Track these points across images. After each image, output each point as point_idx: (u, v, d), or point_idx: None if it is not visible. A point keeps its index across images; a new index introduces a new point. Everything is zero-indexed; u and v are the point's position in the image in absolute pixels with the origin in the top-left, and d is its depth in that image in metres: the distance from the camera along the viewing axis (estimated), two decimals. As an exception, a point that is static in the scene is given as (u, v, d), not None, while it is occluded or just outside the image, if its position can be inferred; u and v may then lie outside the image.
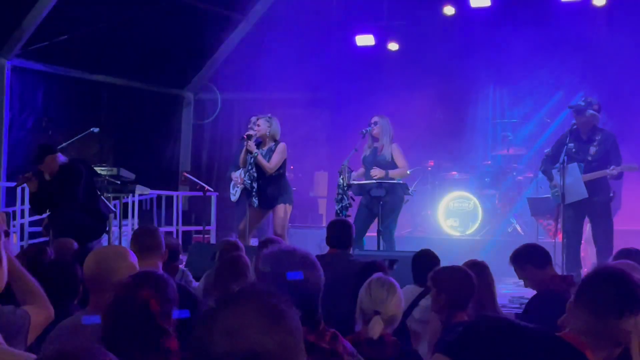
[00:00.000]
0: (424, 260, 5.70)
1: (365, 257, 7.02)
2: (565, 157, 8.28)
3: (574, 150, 8.45)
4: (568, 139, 8.38)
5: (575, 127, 8.46)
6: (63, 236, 7.52)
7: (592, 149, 8.39)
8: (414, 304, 5.27)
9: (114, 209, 9.52)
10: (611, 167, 8.19)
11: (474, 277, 4.52)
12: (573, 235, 8.50)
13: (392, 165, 9.67)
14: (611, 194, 8.47)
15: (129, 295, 2.94)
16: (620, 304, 2.79)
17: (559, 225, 8.91)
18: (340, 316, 4.21)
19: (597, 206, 8.40)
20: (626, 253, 5.12)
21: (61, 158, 8.24)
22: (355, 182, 9.33)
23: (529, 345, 2.65)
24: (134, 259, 3.99)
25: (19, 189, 10.92)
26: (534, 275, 5.37)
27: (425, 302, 5.11)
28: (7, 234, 3.21)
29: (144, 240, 4.80)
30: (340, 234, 6.52)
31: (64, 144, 9.97)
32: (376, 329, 3.86)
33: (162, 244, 4.86)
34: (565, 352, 2.68)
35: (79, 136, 10.26)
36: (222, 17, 13.89)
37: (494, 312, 4.73)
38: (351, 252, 6.77)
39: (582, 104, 8.46)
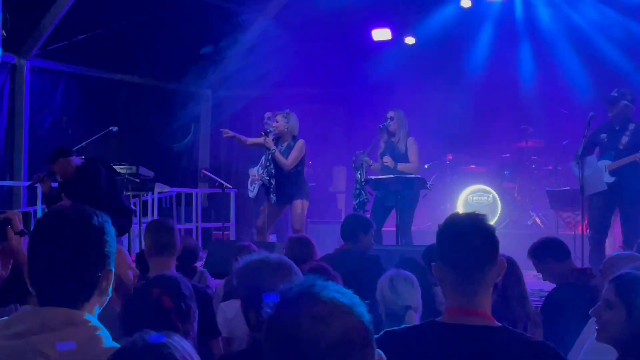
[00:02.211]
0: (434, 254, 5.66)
1: (384, 252, 7.03)
2: (594, 148, 8.28)
3: (606, 140, 8.46)
4: (587, 130, 8.35)
5: (594, 118, 8.44)
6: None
7: (625, 139, 8.38)
8: None
9: (134, 207, 9.55)
10: None
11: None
12: (600, 226, 8.47)
13: (406, 158, 9.67)
14: None
15: (143, 295, 2.96)
16: None
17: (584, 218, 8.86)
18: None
19: (627, 193, 8.36)
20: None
21: (76, 160, 8.25)
22: (372, 177, 9.33)
23: None
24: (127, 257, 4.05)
25: (39, 189, 11.01)
26: (554, 268, 5.37)
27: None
28: (22, 233, 3.24)
29: (159, 238, 4.80)
30: (353, 228, 6.53)
31: (83, 143, 10.03)
32: (414, 323, 3.90)
33: (177, 241, 4.85)
34: None
35: (98, 135, 10.30)
36: (239, 13, 13.90)
37: (523, 307, 4.73)
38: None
39: (616, 94, 8.45)
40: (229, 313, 4.88)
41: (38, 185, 8.90)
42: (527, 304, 4.90)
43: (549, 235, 6.20)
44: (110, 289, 2.43)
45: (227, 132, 9.79)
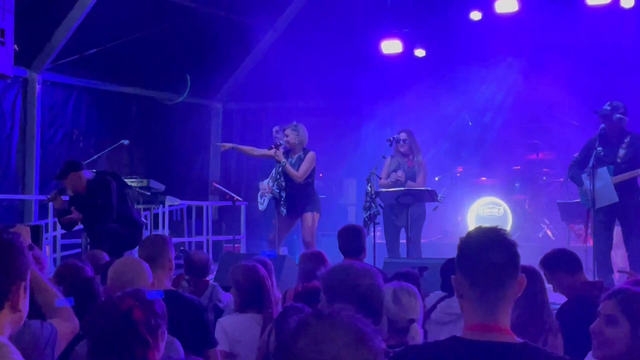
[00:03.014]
0: (452, 268, 5.66)
1: (396, 265, 7.02)
2: (594, 161, 8.23)
3: (602, 153, 8.40)
4: (597, 142, 8.32)
5: (603, 131, 8.40)
6: (99, 247, 7.61)
7: (621, 152, 8.34)
8: (433, 307, 5.27)
9: (145, 221, 9.58)
10: None
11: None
12: (604, 240, 8.42)
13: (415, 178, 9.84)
14: None
15: (112, 304, 2.95)
16: None
17: (589, 231, 8.83)
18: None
19: (629, 209, 8.32)
20: None
21: (86, 174, 8.29)
22: (383, 190, 9.36)
23: None
24: (149, 270, 4.06)
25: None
26: (565, 280, 5.34)
27: (445, 304, 5.15)
28: (31, 248, 3.26)
29: (146, 250, 4.79)
30: (350, 241, 6.49)
31: (94, 156, 10.08)
32: (418, 336, 3.89)
33: (167, 253, 4.81)
34: None
35: (110, 148, 10.35)
36: (249, 27, 13.95)
37: (546, 318, 4.71)
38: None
39: (608, 108, 8.41)
40: (229, 328, 4.88)
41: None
42: (549, 314, 4.87)
43: (562, 247, 6.15)
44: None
45: (225, 145, 9.82)
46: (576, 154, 8.86)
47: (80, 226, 8.79)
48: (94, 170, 8.56)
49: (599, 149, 8.39)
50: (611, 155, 8.38)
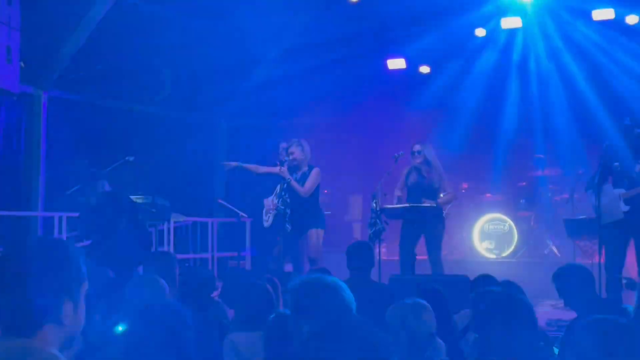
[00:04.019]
0: (483, 285, 5.65)
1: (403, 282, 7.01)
2: (607, 177, 8.22)
3: (619, 168, 8.40)
4: (604, 159, 8.31)
5: (610, 147, 8.40)
6: (105, 263, 7.61)
7: (638, 167, 8.33)
8: (467, 327, 5.25)
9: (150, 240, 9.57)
10: None
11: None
12: (615, 256, 8.39)
13: (436, 190, 9.78)
14: None
15: None
16: None
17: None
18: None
19: None
20: None
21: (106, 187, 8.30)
22: (388, 207, 9.35)
23: None
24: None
25: (56, 218, 11.06)
26: (576, 296, 5.32)
27: None
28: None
29: (153, 268, 4.81)
30: (359, 258, 6.51)
31: (100, 173, 10.07)
32: (442, 349, 3.92)
33: (173, 270, 4.84)
34: None
35: (115, 165, 10.35)
36: (254, 44, 13.97)
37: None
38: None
39: (629, 123, 8.41)
40: (240, 345, 4.87)
41: (62, 214, 8.95)
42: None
43: (575, 263, 6.14)
44: (70, 321, 2.42)
45: (230, 164, 9.82)
46: (582, 170, 8.87)
47: (87, 241, 8.78)
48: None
49: (616, 164, 8.39)
50: (628, 170, 8.38)
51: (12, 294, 2.34)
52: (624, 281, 8.06)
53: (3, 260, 2.42)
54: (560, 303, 8.15)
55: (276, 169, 9.36)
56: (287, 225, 9.25)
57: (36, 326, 2.35)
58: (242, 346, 4.84)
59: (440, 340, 4.05)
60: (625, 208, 8.34)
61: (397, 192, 9.82)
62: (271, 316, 4.30)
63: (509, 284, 5.11)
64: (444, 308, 4.65)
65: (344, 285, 3.35)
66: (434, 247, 9.80)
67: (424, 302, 4.15)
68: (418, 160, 9.85)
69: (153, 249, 9.91)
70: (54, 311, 2.37)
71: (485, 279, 5.85)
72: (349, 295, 3.33)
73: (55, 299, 2.37)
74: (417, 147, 9.88)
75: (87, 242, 8.80)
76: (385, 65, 13.87)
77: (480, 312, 4.48)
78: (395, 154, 9.77)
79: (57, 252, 2.44)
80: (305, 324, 3.16)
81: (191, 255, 12.96)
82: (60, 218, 11.01)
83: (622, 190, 8.33)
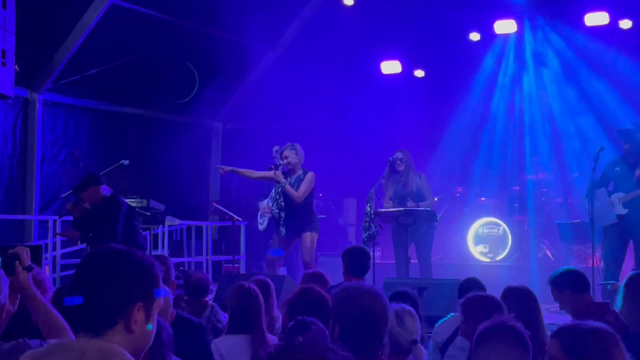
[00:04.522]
0: (469, 289, 5.67)
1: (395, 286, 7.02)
2: (609, 181, 8.27)
3: (619, 173, 8.45)
4: (615, 163, 8.36)
5: (624, 151, 8.46)
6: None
7: (638, 171, 8.37)
8: (456, 331, 5.25)
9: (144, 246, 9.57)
10: None
11: (505, 306, 4.52)
12: (612, 259, 8.42)
13: (418, 196, 9.91)
14: None
15: None
16: None
17: (598, 251, 8.83)
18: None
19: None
20: None
21: (105, 190, 8.30)
22: (382, 210, 9.38)
23: None
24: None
25: (51, 222, 11.07)
26: (570, 300, 5.35)
27: None
28: (30, 269, 3.26)
29: None
30: (356, 262, 6.52)
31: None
32: (422, 356, 3.90)
33: (168, 274, 4.84)
34: None
35: (110, 169, 10.35)
36: (249, 48, 14.00)
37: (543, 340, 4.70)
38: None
39: (632, 127, 8.46)
40: (224, 349, 4.87)
41: (56, 218, 8.95)
42: (545, 335, 4.87)
43: (571, 267, 6.17)
44: (146, 326, 2.42)
45: (224, 168, 9.79)
46: (576, 174, 8.91)
47: (82, 245, 8.79)
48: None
49: (617, 168, 8.44)
50: (628, 174, 8.42)
51: (88, 291, 2.34)
52: (608, 287, 8.10)
53: (87, 260, 2.44)
54: (554, 306, 8.19)
55: (270, 173, 9.36)
56: (282, 229, 9.26)
57: (105, 325, 2.33)
58: (225, 350, 4.84)
59: (422, 348, 4.04)
60: (624, 211, 8.38)
61: (387, 205, 9.89)
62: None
63: (516, 290, 5.12)
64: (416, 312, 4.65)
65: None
66: (425, 251, 9.96)
67: (410, 309, 4.14)
68: (401, 168, 9.94)
69: (147, 253, 9.92)
70: (124, 314, 2.35)
71: (471, 283, 5.87)
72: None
73: (128, 303, 2.36)
74: (399, 155, 9.96)
75: (82, 245, 8.82)
76: (380, 69, 13.90)
77: (470, 317, 4.51)
78: (389, 158, 9.84)
79: (138, 262, 2.44)
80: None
81: (186, 259, 12.96)
82: (55, 221, 11.02)
83: (622, 194, 8.37)
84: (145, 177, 13.63)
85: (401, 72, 13.81)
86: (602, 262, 8.56)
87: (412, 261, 9.73)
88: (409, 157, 10.03)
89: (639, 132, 8.45)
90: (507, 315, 4.10)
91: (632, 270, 8.34)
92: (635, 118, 9.24)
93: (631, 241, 8.54)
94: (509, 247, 12.00)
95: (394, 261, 10.09)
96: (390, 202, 9.96)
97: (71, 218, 8.62)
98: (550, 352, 3.06)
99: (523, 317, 4.48)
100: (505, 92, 13.21)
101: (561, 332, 3.05)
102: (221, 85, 14.43)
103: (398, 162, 9.93)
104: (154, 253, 10.32)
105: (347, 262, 6.55)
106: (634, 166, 8.43)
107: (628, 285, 5.48)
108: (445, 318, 5.49)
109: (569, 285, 5.38)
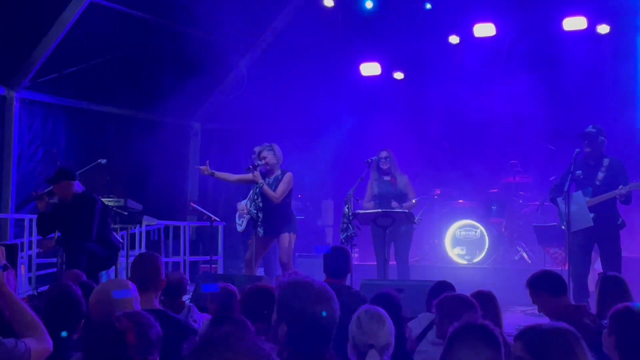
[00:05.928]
0: (440, 291, 5.69)
1: (373, 287, 7.03)
2: (570, 185, 8.29)
3: (581, 176, 8.48)
4: (573, 166, 8.39)
5: (581, 154, 8.48)
6: (75, 264, 7.58)
7: (600, 175, 8.41)
8: (428, 327, 5.26)
9: (121, 240, 9.53)
10: (620, 187, 8.19)
11: (478, 306, 4.56)
12: (581, 263, 8.46)
13: (402, 195, 10.03)
14: (619, 221, 8.45)
15: (109, 322, 2.94)
16: None
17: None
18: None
19: (606, 231, 8.38)
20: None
21: (77, 187, 8.28)
22: (360, 212, 9.40)
23: None
24: (135, 292, 4.03)
25: (27, 220, 10.98)
26: (548, 302, 5.38)
27: None
28: (5, 268, 3.24)
29: (140, 269, 4.81)
30: (337, 263, 6.51)
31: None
32: None
33: (159, 273, 4.83)
34: None
35: (87, 167, 10.29)
36: (228, 48, 13.98)
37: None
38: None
39: (593, 130, 8.50)
40: None
41: (33, 216, 8.89)
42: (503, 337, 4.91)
43: (549, 269, 6.20)
44: None
45: (206, 169, 9.53)
46: (553, 178, 8.94)
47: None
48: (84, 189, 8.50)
49: (578, 172, 8.47)
50: (591, 178, 8.45)
51: None
52: None
53: None
54: (531, 309, 8.23)
55: (249, 176, 9.32)
56: (259, 230, 9.23)
57: None
58: None
59: (375, 352, 3.96)
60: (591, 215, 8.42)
61: (367, 205, 9.94)
62: None
63: (481, 294, 5.17)
64: (397, 314, 4.64)
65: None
66: (403, 252, 10.07)
67: (378, 311, 4.07)
68: (386, 167, 10.03)
69: (124, 252, 9.87)
70: None
71: (443, 286, 5.90)
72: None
73: None
74: (384, 154, 10.05)
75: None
76: (359, 71, 13.93)
77: (444, 318, 4.53)
78: (368, 159, 9.86)
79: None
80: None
81: (163, 259, 12.89)
82: (31, 220, 10.94)
83: (587, 198, 8.41)
84: (123, 177, 13.56)
85: (380, 74, 13.85)
86: (569, 266, 8.57)
87: (390, 263, 9.78)
88: (393, 157, 10.11)
89: (601, 135, 8.49)
90: (477, 315, 4.12)
91: (599, 274, 8.44)
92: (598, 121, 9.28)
93: (596, 245, 8.58)
94: (486, 250, 12.05)
95: (371, 262, 10.15)
96: (372, 202, 9.99)
97: (35, 204, 8.59)
98: (515, 353, 3.08)
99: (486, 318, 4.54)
100: (484, 95, 13.24)
101: (524, 333, 3.06)
102: (200, 85, 14.40)
103: (383, 160, 10.02)
104: (131, 254, 10.27)
105: (326, 263, 6.55)
106: (595, 169, 8.48)
107: (602, 286, 5.55)
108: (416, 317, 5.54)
109: (546, 287, 5.40)
